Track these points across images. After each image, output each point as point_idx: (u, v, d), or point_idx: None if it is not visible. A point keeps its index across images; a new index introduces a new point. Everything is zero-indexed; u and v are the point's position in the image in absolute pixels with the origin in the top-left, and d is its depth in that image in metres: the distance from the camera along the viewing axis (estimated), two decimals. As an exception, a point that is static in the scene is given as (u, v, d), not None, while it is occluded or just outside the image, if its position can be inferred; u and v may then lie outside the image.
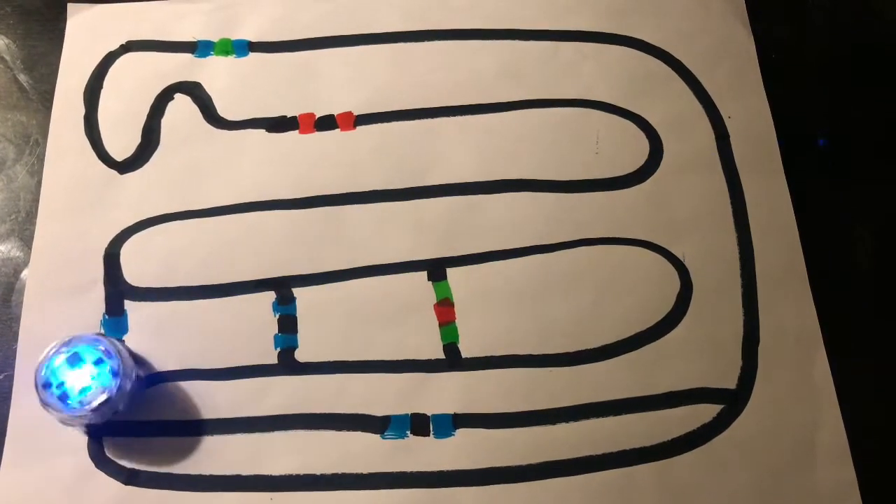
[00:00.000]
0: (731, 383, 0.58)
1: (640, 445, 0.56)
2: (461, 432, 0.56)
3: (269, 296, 0.60)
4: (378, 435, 0.56)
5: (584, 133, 0.65)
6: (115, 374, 0.53)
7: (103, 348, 0.54)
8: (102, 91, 0.65)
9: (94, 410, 0.53)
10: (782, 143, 0.64)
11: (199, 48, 0.67)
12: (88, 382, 0.53)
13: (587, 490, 0.55)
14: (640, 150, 0.64)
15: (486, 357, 0.58)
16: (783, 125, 0.65)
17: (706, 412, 0.57)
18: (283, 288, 0.60)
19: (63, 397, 0.53)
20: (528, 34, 0.68)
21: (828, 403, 0.57)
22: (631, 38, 0.68)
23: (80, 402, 0.53)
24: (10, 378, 0.57)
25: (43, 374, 0.53)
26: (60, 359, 0.53)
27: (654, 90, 0.66)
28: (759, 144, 0.64)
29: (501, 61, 0.67)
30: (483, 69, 0.67)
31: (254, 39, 0.67)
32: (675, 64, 0.67)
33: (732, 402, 0.57)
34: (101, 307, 0.59)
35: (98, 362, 0.54)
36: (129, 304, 0.59)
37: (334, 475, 0.55)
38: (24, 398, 0.56)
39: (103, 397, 0.53)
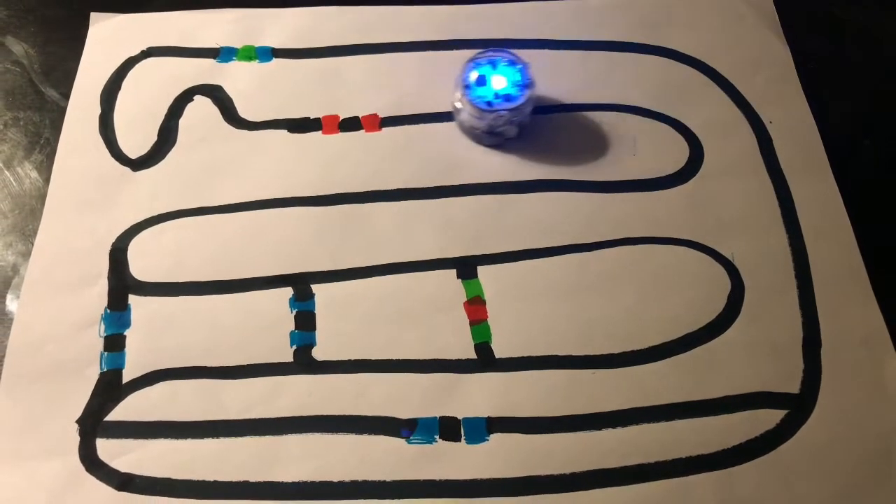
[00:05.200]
0: (793, 388, 0.52)
1: (696, 453, 0.50)
2: (495, 437, 0.51)
3: (286, 292, 0.55)
4: (403, 439, 0.50)
5: (621, 135, 0.62)
6: (526, 86, 0.59)
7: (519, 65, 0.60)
8: (120, 92, 0.63)
9: (510, 109, 0.58)
10: (826, 148, 0.61)
11: (221, 54, 0.65)
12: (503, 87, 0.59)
13: (637, 502, 0.49)
14: (679, 152, 0.61)
15: (522, 357, 0.53)
16: (825, 132, 0.62)
17: (768, 418, 0.51)
18: (301, 284, 0.55)
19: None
20: (557, 44, 0.66)
21: (904, 409, 0.52)
22: (664, 48, 0.66)
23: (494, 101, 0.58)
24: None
25: (467, 75, 0.59)
26: (474, 74, 0.59)
27: (690, 97, 0.64)
28: (804, 147, 0.62)
29: (532, 68, 0.65)
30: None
31: (277, 46, 0.66)
32: (710, 72, 0.65)
33: (797, 407, 0.52)
34: (104, 302, 0.54)
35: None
36: (133, 299, 0.55)
37: (353, 483, 0.49)
38: (11, 395, 0.51)
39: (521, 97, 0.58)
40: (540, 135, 0.62)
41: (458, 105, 0.60)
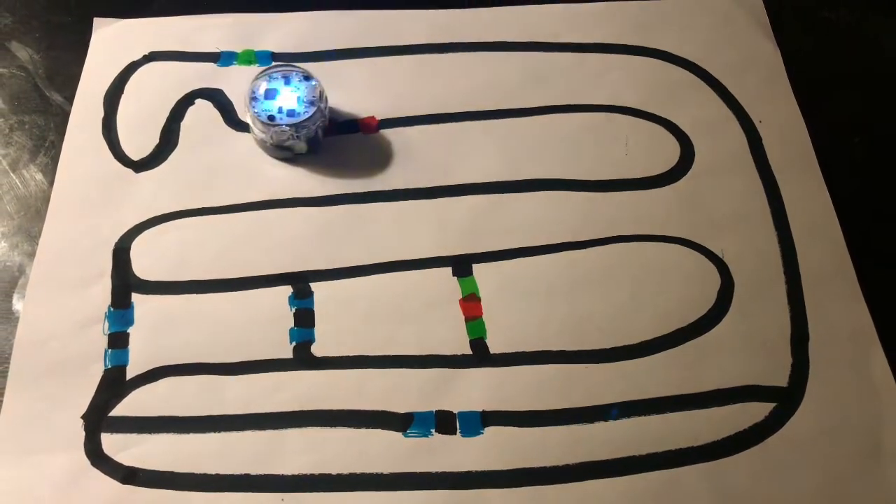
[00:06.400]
0: (781, 381, 0.54)
1: (687, 445, 0.51)
2: (490, 430, 0.52)
3: (286, 290, 0.56)
4: (400, 433, 0.52)
5: (612, 135, 0.63)
6: (311, 102, 0.60)
7: (311, 83, 0.60)
8: (123, 96, 0.64)
9: (294, 125, 0.58)
10: (815, 147, 0.63)
11: (222, 58, 0.66)
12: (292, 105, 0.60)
13: (629, 493, 0.50)
14: (670, 151, 0.63)
15: (516, 353, 0.54)
16: (814, 131, 0.63)
17: (757, 411, 0.53)
18: (300, 282, 0.56)
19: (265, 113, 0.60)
20: (552, 46, 0.68)
21: (890, 401, 0.53)
22: (656, 49, 0.68)
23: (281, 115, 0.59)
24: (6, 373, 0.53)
25: (257, 87, 0.60)
26: (263, 86, 0.60)
27: (681, 97, 0.65)
28: (793, 146, 0.63)
29: (526, 70, 0.66)
30: (507, 77, 0.66)
31: (277, 51, 0.67)
32: (701, 73, 0.66)
33: (785, 400, 0.53)
34: (107, 300, 0.56)
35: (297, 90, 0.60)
36: (136, 298, 0.56)
37: (351, 475, 0.50)
38: (18, 392, 0.52)
39: (307, 113, 0.59)
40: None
41: (247, 118, 0.61)
